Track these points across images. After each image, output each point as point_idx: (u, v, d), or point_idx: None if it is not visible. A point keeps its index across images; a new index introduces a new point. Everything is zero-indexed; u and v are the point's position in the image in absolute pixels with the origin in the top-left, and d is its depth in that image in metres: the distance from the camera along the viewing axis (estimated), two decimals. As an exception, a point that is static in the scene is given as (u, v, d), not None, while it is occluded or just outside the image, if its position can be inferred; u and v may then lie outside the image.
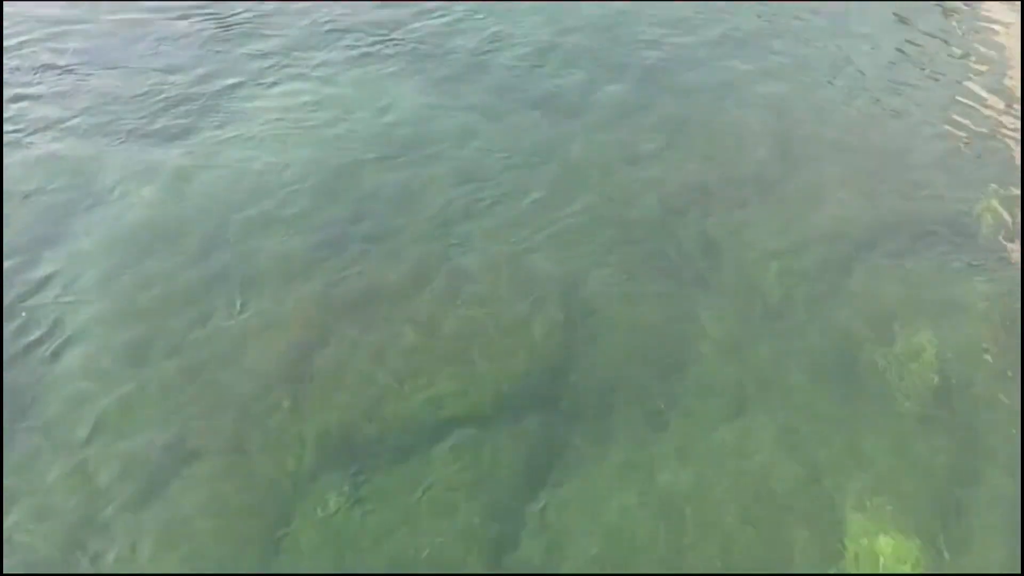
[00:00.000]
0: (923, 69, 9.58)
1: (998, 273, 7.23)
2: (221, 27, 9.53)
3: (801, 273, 7.27)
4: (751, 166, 8.35)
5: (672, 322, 6.74)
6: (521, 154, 8.20)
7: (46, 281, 6.91)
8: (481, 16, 9.93)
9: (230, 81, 8.80)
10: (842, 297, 7.02)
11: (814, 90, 9.34)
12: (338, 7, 10.02)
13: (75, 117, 8.38)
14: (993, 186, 8.14)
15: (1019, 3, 10.63)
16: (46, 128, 8.32)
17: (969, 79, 9.34)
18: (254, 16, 9.65)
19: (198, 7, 9.81)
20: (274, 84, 8.79)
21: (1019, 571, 6.57)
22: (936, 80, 9.31)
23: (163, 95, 8.63)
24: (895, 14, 10.52)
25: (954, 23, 10.54)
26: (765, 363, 6.45)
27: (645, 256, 7.35)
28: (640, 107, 8.96)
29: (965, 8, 10.96)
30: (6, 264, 7.03)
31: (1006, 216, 7.88)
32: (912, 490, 6.00)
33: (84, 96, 8.64)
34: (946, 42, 10.18)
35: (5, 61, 8.91)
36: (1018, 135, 8.51)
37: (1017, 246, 7.43)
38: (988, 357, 6.64)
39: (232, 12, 9.74)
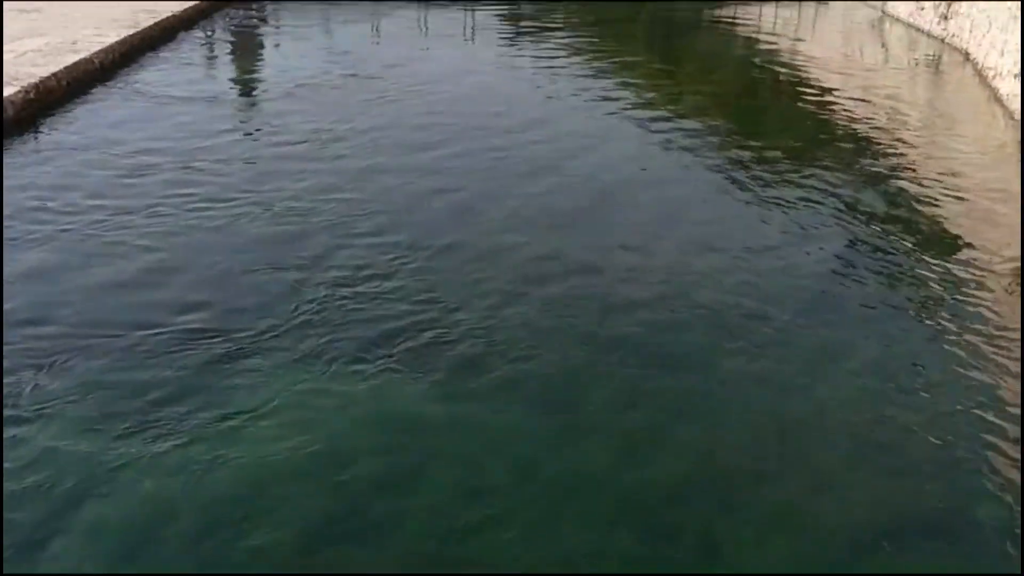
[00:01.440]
0: (920, 375, 9.74)
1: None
2: (210, 344, 9.70)
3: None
4: (748, 459, 8.39)
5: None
6: (523, 459, 8.25)
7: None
8: (484, 323, 10.33)
9: (216, 399, 8.84)
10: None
11: (813, 388, 9.48)
12: (333, 315, 10.35)
13: (68, 434, 8.34)
14: (992, 491, 8.23)
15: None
16: (42, 419, 8.38)
17: (972, 384, 9.53)
18: (244, 336, 9.86)
19: (186, 326, 10.05)
20: (269, 401, 8.83)
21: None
22: (930, 394, 9.42)
23: (153, 413, 8.61)
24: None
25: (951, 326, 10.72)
26: None
27: (647, 557, 7.29)
28: (637, 398, 9.21)
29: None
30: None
31: (1008, 522, 7.90)
32: None
33: (77, 413, 8.61)
34: (945, 347, 10.32)
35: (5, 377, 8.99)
36: (1017, 438, 8.65)
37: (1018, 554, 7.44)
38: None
39: (226, 332, 9.96)
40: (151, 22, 23.55)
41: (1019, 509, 7.85)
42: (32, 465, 7.94)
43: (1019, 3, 19.70)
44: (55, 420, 8.51)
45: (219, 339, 9.90)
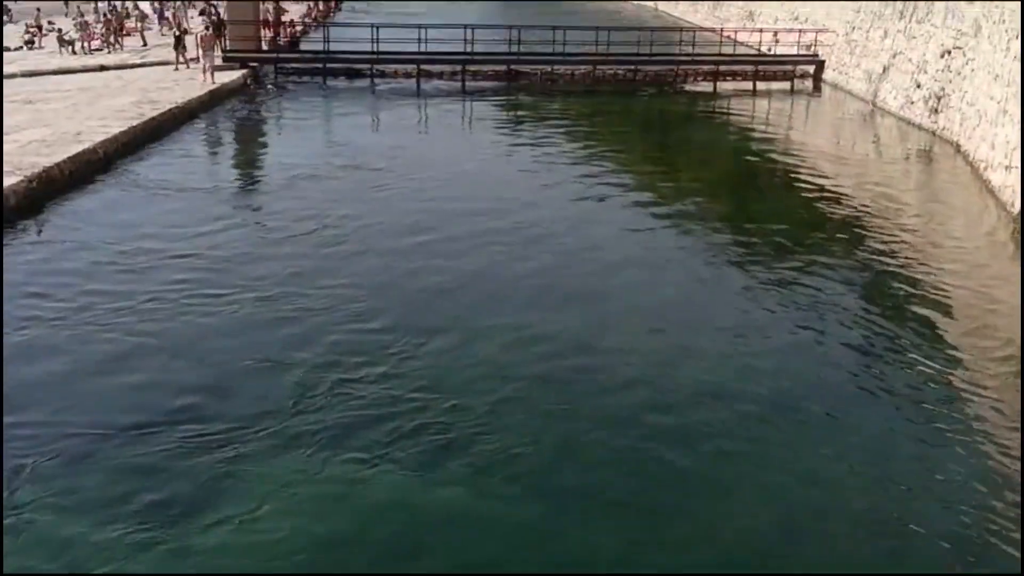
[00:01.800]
0: (921, 461, 9.75)
1: None
2: (202, 434, 9.68)
3: None
4: (750, 543, 8.42)
5: None
6: (522, 545, 8.27)
7: None
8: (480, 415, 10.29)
9: (209, 491, 8.81)
10: None
11: (814, 471, 9.49)
12: (326, 403, 10.36)
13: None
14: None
15: None
16: (33, 512, 8.37)
17: (972, 471, 9.48)
18: (237, 425, 9.83)
19: (180, 417, 10.01)
20: (261, 491, 8.77)
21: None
22: (930, 480, 9.41)
23: (143, 504, 8.59)
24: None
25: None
26: None
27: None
28: (635, 483, 9.23)
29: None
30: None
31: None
32: None
33: (69, 505, 8.60)
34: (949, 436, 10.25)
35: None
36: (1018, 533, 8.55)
37: None
38: None
39: (219, 418, 9.98)
40: (155, 113, 23.93)
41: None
42: (24, 553, 7.81)
43: (1013, 94, 20.07)
44: (46, 512, 8.35)
45: (212, 429, 9.77)
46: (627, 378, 11.14)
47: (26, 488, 8.66)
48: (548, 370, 11.30)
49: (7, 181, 16.29)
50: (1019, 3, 20.22)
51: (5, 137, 19.48)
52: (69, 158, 18.60)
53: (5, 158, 17.66)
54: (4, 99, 23.28)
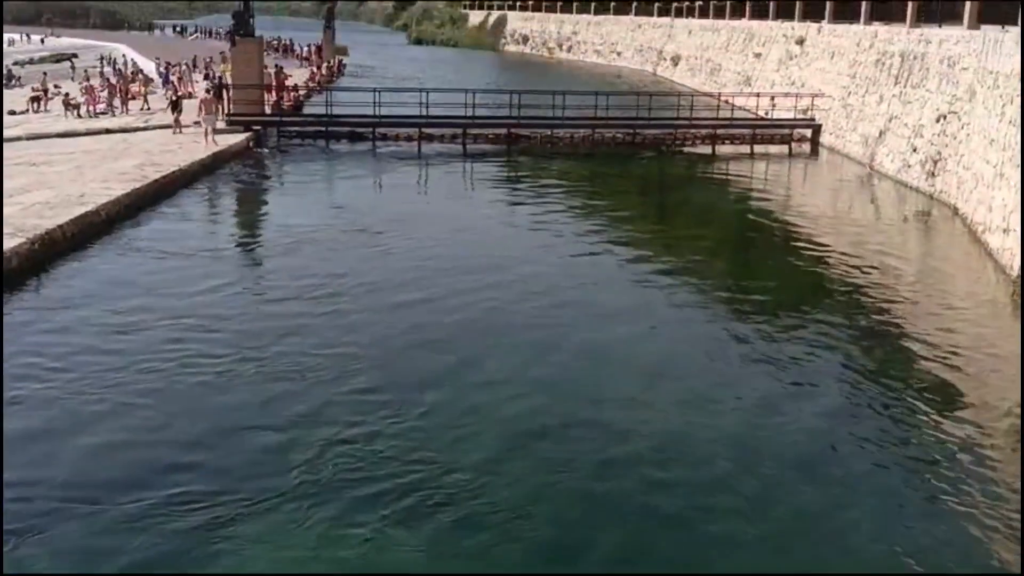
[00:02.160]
0: (922, 536, 9.61)
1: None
2: (190, 501, 9.59)
3: None
4: None
5: None
6: None
7: None
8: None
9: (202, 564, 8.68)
10: None
11: (816, 550, 9.39)
12: (322, 474, 10.27)
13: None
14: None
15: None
16: None
17: (972, 545, 9.37)
18: (231, 496, 9.70)
19: (173, 489, 9.84)
20: (244, 569, 8.63)
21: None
22: (930, 555, 9.23)
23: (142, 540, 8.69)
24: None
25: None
26: None
27: None
28: (633, 558, 9.15)
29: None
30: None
31: None
32: None
33: None
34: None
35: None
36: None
37: None
38: None
39: (209, 487, 9.89)
40: (157, 176, 24.12)
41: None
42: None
43: (1009, 158, 20.26)
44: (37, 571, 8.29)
45: (202, 488, 9.70)
46: (623, 454, 10.99)
47: (16, 546, 8.61)
48: (546, 425, 11.32)
49: (10, 243, 16.38)
50: (1019, 67, 20.49)
51: (10, 199, 19.63)
52: (71, 220, 18.72)
53: (9, 220, 17.79)
54: (10, 162, 23.48)
